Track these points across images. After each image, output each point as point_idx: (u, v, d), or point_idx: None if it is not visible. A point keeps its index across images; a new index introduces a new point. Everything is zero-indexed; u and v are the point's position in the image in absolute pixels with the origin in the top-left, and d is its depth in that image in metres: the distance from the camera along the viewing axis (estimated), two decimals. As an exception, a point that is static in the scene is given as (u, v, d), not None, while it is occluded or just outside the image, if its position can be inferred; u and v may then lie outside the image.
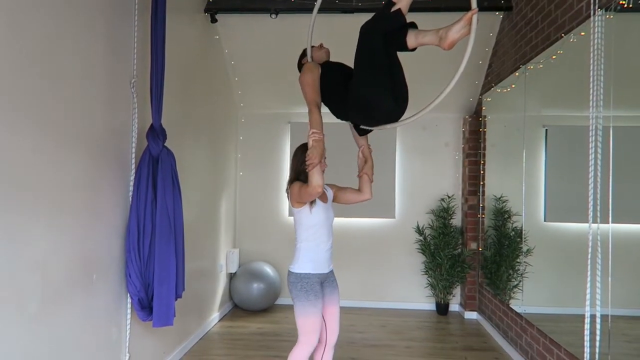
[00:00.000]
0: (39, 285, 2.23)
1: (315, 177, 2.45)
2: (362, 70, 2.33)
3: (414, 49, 2.28)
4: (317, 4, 2.74)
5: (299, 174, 2.68)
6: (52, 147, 2.32)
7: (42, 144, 2.25)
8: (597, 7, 2.82)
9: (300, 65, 2.95)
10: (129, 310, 3.04)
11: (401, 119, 2.50)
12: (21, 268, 2.11)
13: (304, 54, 2.95)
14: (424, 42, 2.23)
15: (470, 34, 2.10)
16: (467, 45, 2.11)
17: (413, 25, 2.28)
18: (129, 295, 2.98)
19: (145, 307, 2.97)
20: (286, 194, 2.77)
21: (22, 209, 2.11)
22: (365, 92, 2.33)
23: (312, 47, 2.87)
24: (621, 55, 2.66)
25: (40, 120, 2.23)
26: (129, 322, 3.03)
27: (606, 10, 2.74)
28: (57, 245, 2.36)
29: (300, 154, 2.71)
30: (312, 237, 2.67)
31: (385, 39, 2.25)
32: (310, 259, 2.67)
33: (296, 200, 2.64)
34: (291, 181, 2.72)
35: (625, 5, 2.56)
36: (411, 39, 2.23)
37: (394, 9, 2.22)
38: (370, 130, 2.77)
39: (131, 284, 2.89)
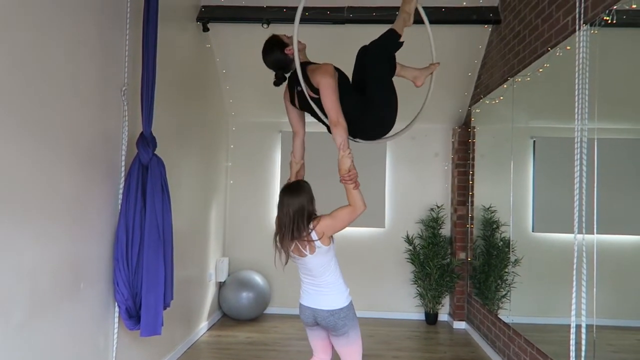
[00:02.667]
0: (25, 293, 2.21)
1: (360, 195, 2.41)
2: (383, 90, 2.57)
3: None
4: (300, 7, 2.62)
5: (310, 215, 2.50)
6: (41, 155, 2.31)
7: (31, 151, 2.24)
8: (582, 22, 2.89)
9: (270, 54, 2.66)
10: (116, 319, 3.01)
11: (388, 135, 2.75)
12: (7, 276, 2.09)
13: (279, 41, 2.66)
14: (403, 75, 2.85)
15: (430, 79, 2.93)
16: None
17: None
18: (116, 304, 2.96)
19: (133, 316, 2.94)
20: (305, 243, 2.46)
21: (8, 216, 2.09)
22: (386, 111, 2.58)
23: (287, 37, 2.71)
24: (605, 70, 2.72)
25: (29, 127, 2.22)
26: (116, 331, 3.01)
27: (591, 26, 2.80)
28: (44, 253, 2.34)
29: (309, 191, 2.54)
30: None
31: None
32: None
33: (332, 234, 2.50)
34: (306, 221, 2.46)
35: (609, 21, 2.62)
36: (397, 68, 2.76)
37: (401, 40, 2.61)
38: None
39: (119, 293, 2.88)
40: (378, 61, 2.57)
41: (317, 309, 2.53)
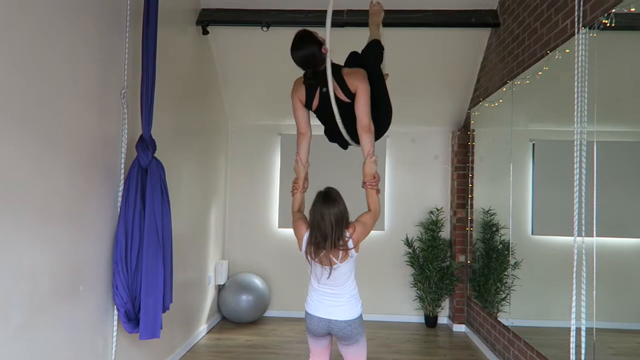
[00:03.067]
0: (24, 296, 2.21)
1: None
2: (385, 99, 2.68)
3: None
4: (330, 10, 2.53)
5: (347, 222, 2.46)
6: (40, 157, 2.31)
7: (30, 153, 2.24)
8: (581, 25, 2.89)
9: (305, 48, 2.45)
10: (115, 322, 3.01)
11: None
12: (6, 278, 2.09)
13: (316, 38, 2.50)
14: None
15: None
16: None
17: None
18: (115, 307, 2.95)
19: (132, 319, 2.94)
20: (339, 251, 2.41)
21: (7, 218, 2.09)
22: (387, 119, 2.72)
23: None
24: (604, 73, 2.72)
25: (29, 129, 2.23)
26: (115, 334, 3.00)
27: (590, 29, 2.80)
28: (43, 255, 2.34)
29: (341, 198, 2.49)
30: None
31: None
32: None
33: (362, 239, 2.51)
34: (344, 229, 2.43)
35: (608, 25, 2.63)
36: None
37: (380, 46, 2.83)
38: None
39: (118, 296, 2.87)
40: (378, 69, 2.73)
41: (333, 320, 2.51)
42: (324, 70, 2.45)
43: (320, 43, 2.46)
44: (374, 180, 2.51)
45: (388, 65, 3.00)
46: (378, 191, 2.51)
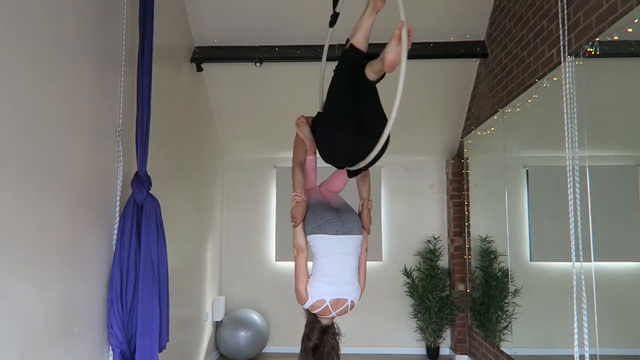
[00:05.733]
0: (18, 337, 2.16)
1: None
2: (327, 109, 2.45)
3: (377, 79, 2.27)
4: (325, 52, 2.75)
5: None
6: (34, 195, 2.30)
7: (24, 191, 2.23)
8: (566, 54, 2.97)
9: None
10: (110, 363, 2.94)
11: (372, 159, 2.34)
12: (-1, 321, 2.05)
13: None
14: (376, 70, 2.21)
15: (402, 51, 1.96)
16: (400, 71, 1.95)
17: (376, 55, 2.23)
18: (110, 347, 2.89)
19: (128, 359, 2.87)
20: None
21: (0, 258, 2.07)
22: (327, 130, 2.40)
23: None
24: (592, 99, 2.78)
25: (23, 167, 2.22)
26: (110, 375, 2.93)
27: (575, 57, 2.88)
28: (37, 296, 2.30)
29: None
30: None
31: (351, 75, 2.27)
32: None
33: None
34: None
35: (593, 52, 2.70)
36: (368, 70, 2.23)
37: (347, 45, 2.30)
38: (359, 172, 2.64)
39: (113, 336, 2.81)
40: (333, 77, 2.37)
41: None
42: None
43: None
44: (291, 213, 2.50)
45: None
46: (295, 224, 2.49)
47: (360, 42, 2.26)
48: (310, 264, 2.45)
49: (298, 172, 2.59)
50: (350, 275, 2.42)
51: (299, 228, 2.46)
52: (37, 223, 2.32)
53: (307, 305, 2.42)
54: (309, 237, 2.45)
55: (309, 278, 2.41)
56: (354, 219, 2.50)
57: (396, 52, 1.99)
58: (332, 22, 2.77)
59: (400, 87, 1.92)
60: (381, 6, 2.20)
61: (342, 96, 2.30)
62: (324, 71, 2.63)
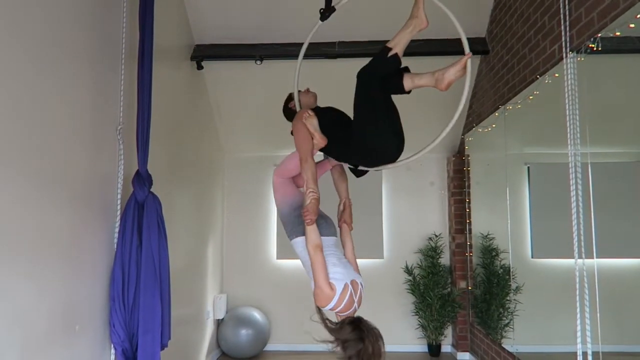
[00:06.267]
0: (19, 337, 2.16)
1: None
2: (365, 115, 2.42)
3: (409, 92, 2.42)
4: (303, 49, 2.80)
5: None
6: (35, 194, 2.30)
7: (24, 190, 2.23)
8: (568, 50, 2.96)
9: (286, 110, 2.91)
10: (112, 362, 2.94)
11: (399, 159, 2.62)
12: (0, 319, 2.05)
13: (290, 98, 2.91)
14: (420, 85, 2.39)
15: (465, 74, 2.31)
16: (462, 88, 2.36)
17: (407, 69, 2.45)
18: (112, 345, 2.89)
19: (130, 357, 2.87)
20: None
21: (1, 257, 2.06)
22: (372, 137, 2.41)
23: (299, 91, 2.86)
24: (594, 95, 2.77)
25: (23, 166, 2.22)
26: (112, 374, 2.93)
27: (577, 53, 2.86)
28: (38, 295, 2.30)
29: None
30: None
31: (382, 83, 2.37)
32: None
33: None
34: None
35: (595, 49, 2.68)
36: (407, 81, 2.38)
37: (391, 53, 2.35)
38: (367, 171, 2.74)
39: (115, 334, 2.82)
40: (361, 87, 2.42)
41: None
42: None
43: (290, 100, 2.88)
44: (305, 211, 2.36)
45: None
46: (310, 221, 2.35)
47: (400, 54, 2.39)
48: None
49: (311, 164, 2.45)
50: (349, 263, 2.53)
51: (314, 225, 2.37)
52: (38, 222, 2.31)
53: (333, 301, 2.29)
54: (302, 238, 2.48)
55: None
56: (330, 221, 2.66)
57: (457, 76, 2.32)
58: (325, 17, 2.75)
59: (460, 108, 2.42)
60: (425, 27, 2.43)
61: (388, 101, 2.43)
62: (300, 63, 2.82)
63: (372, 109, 2.39)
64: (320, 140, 2.53)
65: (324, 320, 2.18)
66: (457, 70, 2.31)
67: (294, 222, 2.57)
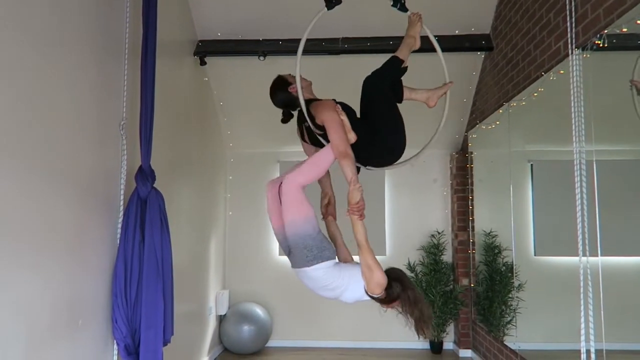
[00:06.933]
0: (22, 331, 2.16)
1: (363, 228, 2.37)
2: (387, 115, 2.56)
3: (401, 101, 2.73)
4: (307, 32, 2.66)
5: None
6: (38, 189, 2.30)
7: (29, 185, 2.23)
8: (574, 46, 2.94)
9: (282, 94, 2.70)
10: (115, 357, 2.94)
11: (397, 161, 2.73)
12: (3, 314, 2.05)
13: (284, 81, 2.73)
14: (415, 98, 2.81)
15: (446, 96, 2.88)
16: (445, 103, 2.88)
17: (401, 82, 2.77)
18: (115, 341, 2.89)
19: (132, 353, 2.87)
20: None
21: (4, 252, 2.06)
22: (393, 139, 2.56)
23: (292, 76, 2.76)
24: (600, 92, 2.75)
25: (27, 161, 2.22)
26: (115, 369, 2.94)
27: (583, 50, 2.84)
28: (41, 290, 2.30)
29: None
30: None
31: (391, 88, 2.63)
32: None
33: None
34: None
35: (601, 45, 2.66)
36: (406, 92, 2.76)
37: (404, 65, 2.64)
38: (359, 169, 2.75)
39: (117, 330, 2.82)
40: (379, 90, 2.58)
41: None
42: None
43: (288, 84, 2.69)
44: (356, 206, 2.30)
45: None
46: (360, 217, 2.31)
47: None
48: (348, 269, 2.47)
49: (353, 158, 2.38)
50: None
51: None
52: (42, 217, 2.31)
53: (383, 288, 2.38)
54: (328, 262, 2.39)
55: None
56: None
57: (435, 103, 2.86)
58: (332, 6, 2.69)
59: (441, 125, 2.95)
60: (417, 48, 2.76)
61: (395, 107, 2.63)
62: (300, 69, 2.60)
63: (391, 110, 2.57)
64: (353, 136, 2.47)
65: (380, 299, 2.43)
66: (441, 94, 2.85)
67: (321, 242, 2.37)
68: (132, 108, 3.17)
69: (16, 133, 2.15)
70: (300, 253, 2.35)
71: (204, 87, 5.08)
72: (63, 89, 2.50)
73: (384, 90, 2.58)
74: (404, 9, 2.78)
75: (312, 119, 2.55)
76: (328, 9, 2.70)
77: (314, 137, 2.63)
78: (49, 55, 2.39)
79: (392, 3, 2.77)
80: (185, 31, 4.58)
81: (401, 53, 2.65)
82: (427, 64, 5.01)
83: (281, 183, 2.48)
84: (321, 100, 2.59)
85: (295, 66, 2.58)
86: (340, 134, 2.37)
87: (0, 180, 2.04)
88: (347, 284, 2.38)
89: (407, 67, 2.67)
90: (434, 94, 2.81)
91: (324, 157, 2.43)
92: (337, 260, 2.48)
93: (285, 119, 2.80)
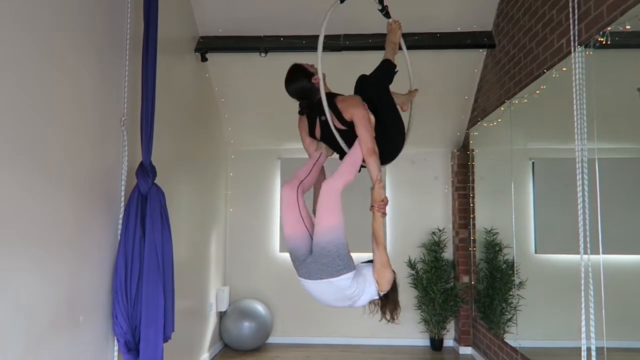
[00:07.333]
0: (23, 327, 2.17)
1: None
2: (393, 115, 2.63)
3: None
4: (324, 24, 2.58)
5: None
6: (39, 185, 2.30)
7: (29, 181, 2.22)
8: (576, 44, 2.92)
9: (301, 84, 2.57)
10: (115, 353, 2.95)
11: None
12: (4, 309, 2.05)
13: (304, 70, 2.61)
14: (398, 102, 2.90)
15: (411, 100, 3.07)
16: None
17: None
18: (115, 337, 2.90)
19: (132, 349, 2.88)
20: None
21: (5, 248, 2.06)
22: (399, 139, 2.64)
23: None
24: (602, 90, 2.74)
25: (28, 157, 2.22)
26: (115, 365, 2.94)
27: (586, 47, 2.83)
28: (42, 286, 2.30)
29: None
30: None
31: None
32: None
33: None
34: None
35: (604, 43, 2.65)
36: (394, 97, 2.83)
37: (397, 69, 2.76)
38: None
39: (117, 326, 2.82)
40: (384, 91, 2.67)
41: None
42: (320, 100, 2.46)
43: (310, 75, 2.57)
44: (382, 204, 2.43)
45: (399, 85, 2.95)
46: (384, 214, 2.46)
47: None
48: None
49: (378, 156, 2.42)
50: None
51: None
52: (43, 213, 2.31)
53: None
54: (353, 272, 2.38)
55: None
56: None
57: (407, 107, 3.05)
58: None
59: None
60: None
61: (397, 108, 2.74)
62: (321, 66, 2.52)
63: (395, 111, 2.65)
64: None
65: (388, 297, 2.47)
66: (409, 101, 3.05)
67: (349, 251, 2.33)
68: (133, 104, 3.17)
69: (17, 129, 2.14)
70: (331, 262, 2.26)
71: (205, 83, 5.07)
72: (64, 85, 2.50)
73: (387, 91, 2.68)
74: (388, 15, 2.94)
75: (336, 113, 2.47)
76: (341, 2, 2.67)
77: (327, 132, 2.54)
78: (50, 52, 2.39)
79: (379, 8, 2.89)
80: (187, 27, 4.57)
81: (391, 57, 2.79)
82: (427, 64, 5.02)
83: (298, 186, 2.45)
84: (346, 95, 2.56)
85: (317, 59, 2.49)
86: (371, 131, 2.40)
87: (1, 176, 2.04)
88: (362, 288, 2.39)
89: (397, 70, 2.79)
90: (406, 100, 3.01)
91: (358, 155, 2.42)
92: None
93: (303, 110, 2.64)
